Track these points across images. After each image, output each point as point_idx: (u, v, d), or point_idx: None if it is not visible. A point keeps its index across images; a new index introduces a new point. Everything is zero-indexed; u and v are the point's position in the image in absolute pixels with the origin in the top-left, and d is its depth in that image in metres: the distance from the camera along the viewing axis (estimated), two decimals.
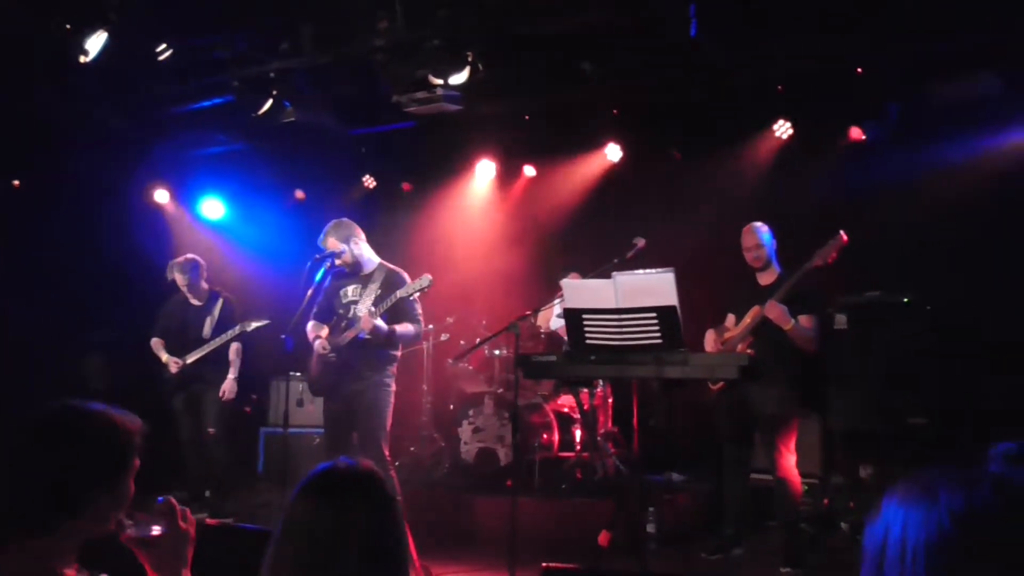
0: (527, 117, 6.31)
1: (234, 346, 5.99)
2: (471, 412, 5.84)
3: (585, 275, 6.40)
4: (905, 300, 5.65)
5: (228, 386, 5.94)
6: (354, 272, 4.75)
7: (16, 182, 6.65)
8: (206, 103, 5.84)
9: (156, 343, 6.10)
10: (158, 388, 6.07)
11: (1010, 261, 5.15)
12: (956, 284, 5.39)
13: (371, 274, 4.74)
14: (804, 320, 4.60)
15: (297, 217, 7.89)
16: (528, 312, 6.37)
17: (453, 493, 5.70)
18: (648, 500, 5.28)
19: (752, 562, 4.87)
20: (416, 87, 4.46)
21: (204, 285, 6.12)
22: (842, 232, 4.32)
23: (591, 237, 6.97)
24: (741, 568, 4.82)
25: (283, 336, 4.36)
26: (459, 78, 4.25)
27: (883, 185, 5.46)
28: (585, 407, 5.99)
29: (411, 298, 4.51)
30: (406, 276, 4.75)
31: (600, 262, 6.70)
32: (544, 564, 2.80)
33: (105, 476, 1.60)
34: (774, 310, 4.52)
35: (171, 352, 6.01)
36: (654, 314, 3.49)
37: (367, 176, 7.67)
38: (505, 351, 6.05)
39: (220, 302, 6.11)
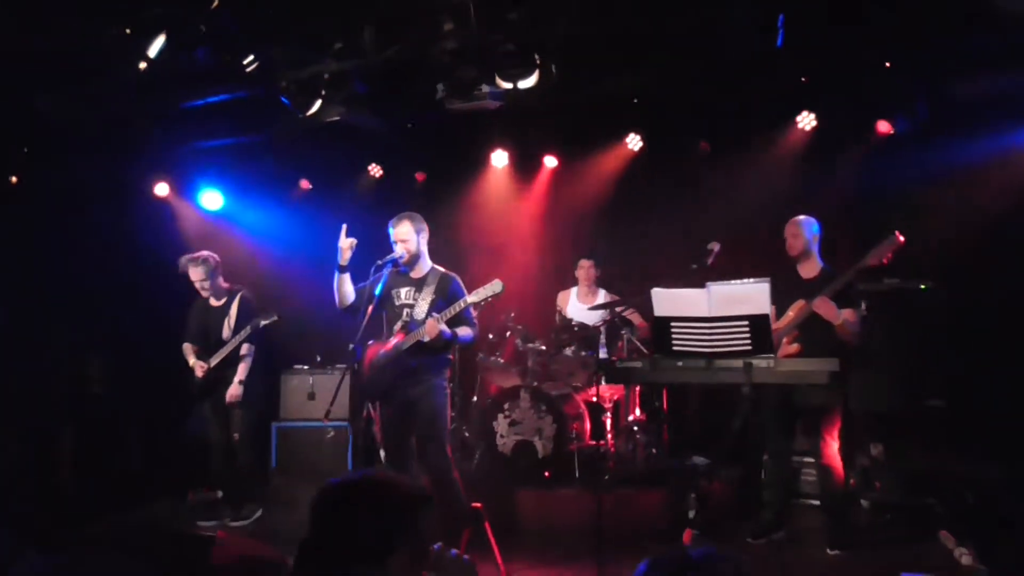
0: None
1: (244, 346, 5.83)
2: (506, 406, 5.87)
3: (598, 263, 6.55)
4: (923, 287, 5.90)
5: (232, 390, 5.76)
6: (409, 272, 4.71)
7: (14, 178, 6.33)
8: (217, 98, 5.68)
9: (187, 348, 5.96)
10: (189, 392, 5.94)
11: None
12: (974, 273, 5.62)
13: (425, 277, 4.71)
14: (848, 314, 4.75)
15: (302, 208, 7.75)
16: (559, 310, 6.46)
17: (492, 486, 5.74)
18: (688, 486, 5.45)
19: (795, 544, 5.07)
20: (471, 87, 4.41)
21: (222, 283, 5.97)
22: (898, 232, 4.45)
23: (613, 228, 7.05)
24: (786, 551, 5.02)
25: (352, 346, 4.29)
26: (528, 82, 4.22)
27: (909, 179, 5.64)
28: (618, 397, 6.12)
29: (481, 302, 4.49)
30: (459, 280, 4.75)
31: (624, 253, 6.85)
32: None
33: (395, 534, 1.74)
34: (824, 305, 4.66)
35: (199, 356, 5.88)
36: (746, 322, 3.58)
37: (373, 165, 7.55)
38: (539, 343, 6.10)
39: (237, 300, 5.96)
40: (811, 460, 5.56)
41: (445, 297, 4.63)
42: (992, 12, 4.39)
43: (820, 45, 4.49)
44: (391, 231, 4.62)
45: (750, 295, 3.56)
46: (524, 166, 7.20)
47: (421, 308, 4.59)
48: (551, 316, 6.74)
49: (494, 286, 4.41)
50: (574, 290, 6.66)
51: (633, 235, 6.95)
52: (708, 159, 6.48)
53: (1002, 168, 5.30)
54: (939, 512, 5.37)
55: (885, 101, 5.66)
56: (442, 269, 4.78)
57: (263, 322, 5.68)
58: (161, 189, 7.42)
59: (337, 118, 4.81)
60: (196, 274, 5.82)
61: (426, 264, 4.74)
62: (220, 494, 6.23)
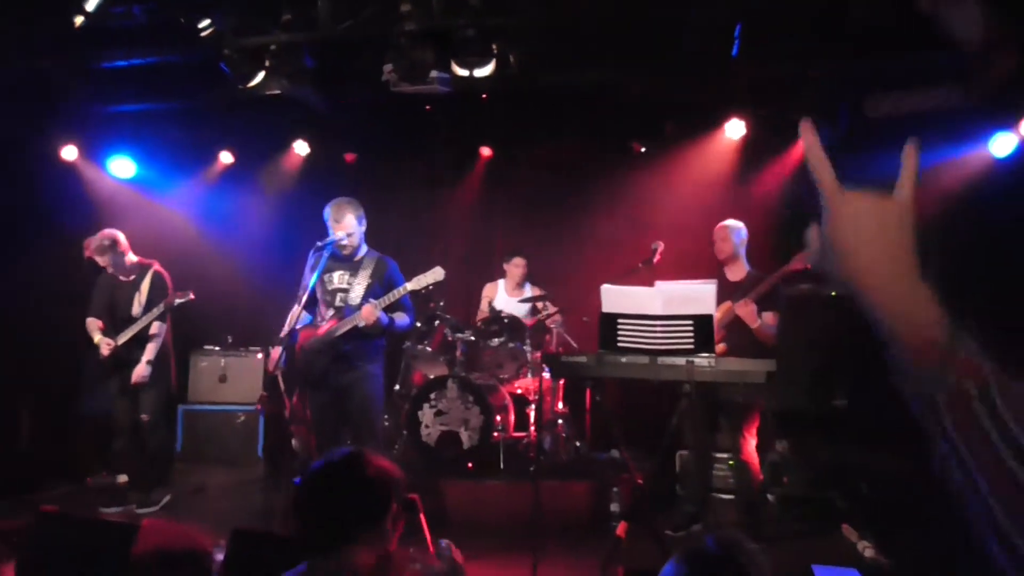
0: (484, 97, 6.21)
1: (155, 325, 5.52)
2: (433, 395, 5.81)
3: (529, 260, 6.58)
4: (832, 293, 6.22)
5: (139, 370, 5.44)
6: (346, 257, 4.59)
7: None
8: (143, 61, 5.35)
9: (91, 323, 5.59)
10: (93, 370, 5.60)
11: (941, 264, 5.76)
12: None
13: (361, 260, 4.60)
14: (768, 317, 4.97)
15: (222, 182, 7.44)
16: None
17: (416, 476, 5.68)
18: (610, 480, 5.57)
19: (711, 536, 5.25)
20: (425, 71, 4.32)
21: (129, 260, 5.61)
22: None
23: (540, 222, 7.09)
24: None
25: (286, 332, 4.15)
26: (485, 71, 4.17)
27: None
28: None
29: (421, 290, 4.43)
30: (396, 265, 4.65)
31: (543, 248, 6.90)
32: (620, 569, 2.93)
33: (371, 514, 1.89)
34: (744, 308, 4.86)
35: (105, 333, 5.54)
36: (691, 321, 3.67)
37: (299, 141, 7.31)
38: (469, 334, 6.07)
39: (150, 276, 5.65)
40: (723, 456, 5.78)
41: (382, 282, 4.54)
42: (922, 34, 4.65)
43: (760, 54, 4.63)
44: (330, 218, 4.46)
45: (697, 295, 3.66)
46: (458, 155, 7.13)
47: (356, 292, 4.48)
48: (475, 307, 6.73)
49: (435, 273, 4.35)
50: (501, 283, 6.67)
51: (562, 231, 7.01)
52: (640, 160, 6.60)
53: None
54: (840, 505, 5.69)
55: (810, 112, 5.90)
56: (378, 253, 4.67)
57: (178, 300, 5.40)
58: (69, 153, 6.94)
59: (278, 92, 4.61)
60: (103, 260, 5.50)
61: (362, 248, 4.63)
62: (123, 478, 5.93)
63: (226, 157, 7.33)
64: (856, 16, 4.55)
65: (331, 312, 4.54)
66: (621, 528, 3.97)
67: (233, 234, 7.33)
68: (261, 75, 4.50)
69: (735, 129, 6.21)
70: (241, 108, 6.55)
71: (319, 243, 4.36)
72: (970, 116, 5.44)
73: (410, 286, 4.37)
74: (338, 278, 4.58)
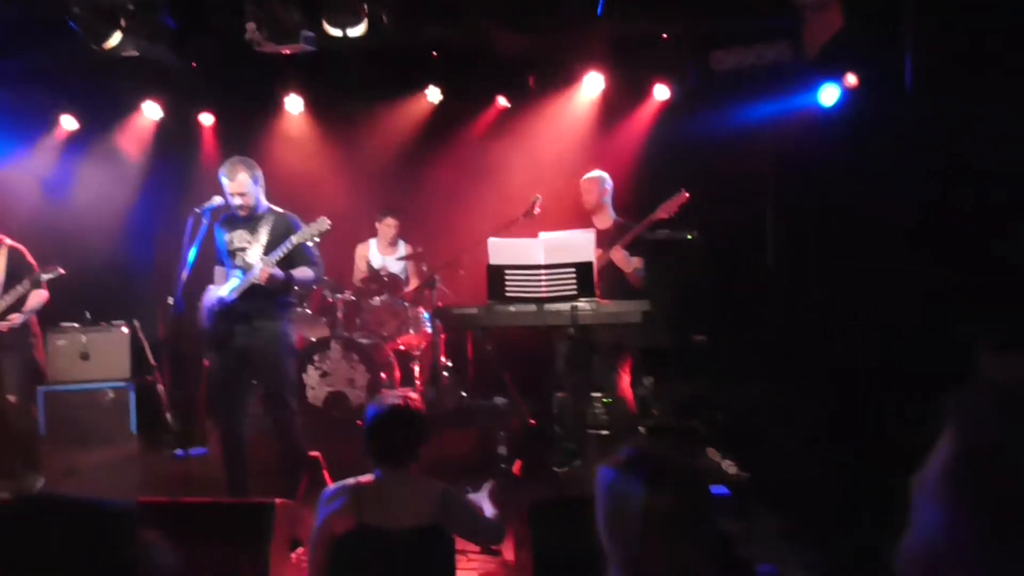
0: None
1: (34, 295, 5.23)
2: (316, 357, 5.84)
3: (400, 219, 6.66)
4: (689, 236, 6.72)
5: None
6: (245, 217, 4.48)
7: None
8: None
9: None
10: None
11: (780, 209, 6.36)
12: (734, 224, 6.50)
13: (260, 217, 4.51)
14: (636, 262, 5.35)
15: (65, 147, 6.97)
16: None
17: (307, 436, 5.70)
18: (495, 425, 5.84)
19: (592, 469, 5.66)
20: (295, 31, 4.26)
21: None
22: (684, 190, 5.06)
23: (409, 179, 7.15)
24: (587, 475, 5.60)
25: (171, 299, 4.05)
26: (358, 30, 4.16)
27: (681, 139, 6.35)
28: (424, 345, 6.32)
29: (308, 241, 4.39)
30: (298, 219, 4.58)
31: (420, 205, 6.99)
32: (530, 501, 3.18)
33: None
34: (618, 254, 5.21)
35: None
36: (573, 269, 3.93)
37: (148, 103, 6.93)
38: (348, 294, 6.09)
39: (4, 253, 5.29)
40: (596, 395, 6.20)
41: (282, 238, 4.44)
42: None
43: (621, 15, 4.90)
44: (224, 181, 4.34)
45: (578, 243, 3.92)
46: (321, 113, 7.01)
47: (255, 251, 4.42)
48: (349, 267, 6.74)
49: (320, 224, 4.34)
50: (372, 242, 6.71)
51: (431, 187, 7.11)
52: (505, 115, 6.77)
53: (754, 134, 6.16)
54: (701, 433, 6.25)
55: (662, 69, 6.29)
56: (278, 209, 4.58)
57: (45, 276, 5.11)
58: None
59: (136, 53, 4.39)
60: None
61: (260, 207, 4.52)
62: None
63: (68, 122, 6.85)
64: None
65: (235, 272, 4.46)
66: (517, 466, 4.23)
67: (80, 203, 6.91)
68: (117, 35, 4.27)
69: (594, 83, 6.49)
70: (81, 68, 6.16)
71: (196, 209, 4.25)
72: (801, 69, 5.96)
73: (295, 239, 4.31)
74: (238, 238, 4.49)
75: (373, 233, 6.71)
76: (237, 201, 4.34)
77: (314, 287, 5.22)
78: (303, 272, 4.46)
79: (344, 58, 6.14)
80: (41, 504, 1.29)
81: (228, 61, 6.01)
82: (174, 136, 7.03)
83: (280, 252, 4.31)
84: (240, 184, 4.31)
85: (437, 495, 2.70)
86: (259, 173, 4.45)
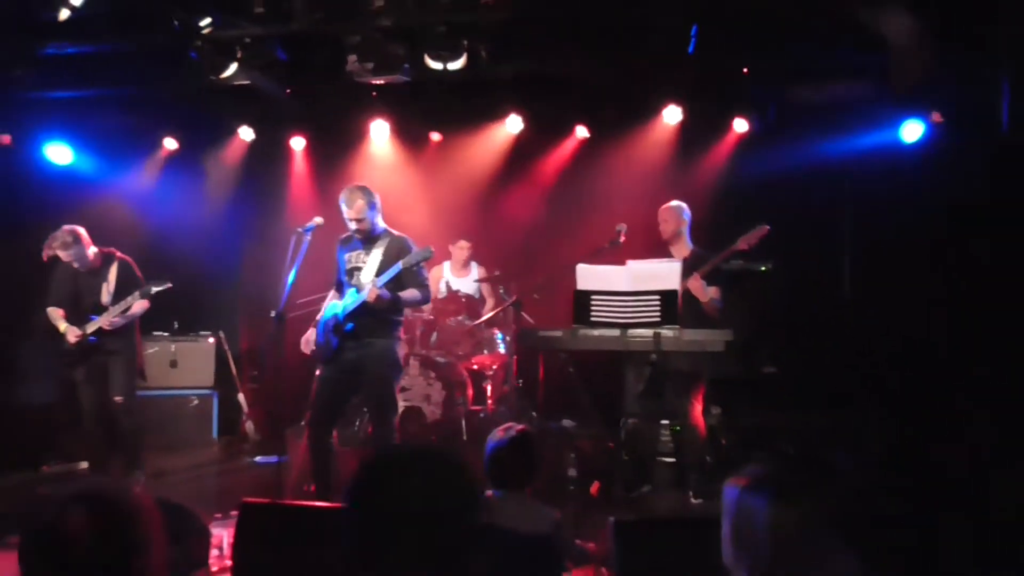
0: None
1: (137, 304, 5.54)
2: None
3: (472, 242, 6.85)
4: (763, 268, 6.75)
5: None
6: (363, 239, 4.74)
7: None
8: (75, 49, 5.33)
9: (53, 312, 5.55)
10: (57, 359, 5.56)
11: (857, 243, 6.37)
12: (810, 257, 6.52)
13: (376, 240, 4.74)
14: (713, 292, 5.40)
15: (165, 168, 7.38)
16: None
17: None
18: (565, 447, 5.94)
19: (661, 495, 5.71)
20: (399, 64, 4.50)
21: (91, 252, 5.58)
22: (766, 224, 5.12)
23: (486, 205, 7.35)
24: (656, 500, 5.65)
25: (273, 313, 4.29)
26: (457, 64, 4.38)
27: (759, 172, 6.42)
28: (497, 365, 6.47)
29: (416, 266, 4.56)
30: (411, 242, 4.79)
31: (496, 230, 7.18)
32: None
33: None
34: (695, 284, 5.27)
35: (69, 322, 5.51)
36: (658, 296, 4.04)
37: (244, 127, 7.30)
38: (427, 313, 6.30)
39: (115, 266, 5.65)
40: (665, 423, 6.24)
41: (395, 260, 4.63)
42: (842, 29, 5.14)
43: (707, 49, 5.02)
44: (344, 207, 4.60)
45: (664, 272, 4.03)
46: (405, 139, 7.28)
47: (368, 271, 4.65)
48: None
49: (425, 251, 4.54)
50: (446, 264, 6.92)
51: (507, 213, 7.30)
52: (584, 145, 6.94)
53: (832, 167, 6.19)
54: (828, 465, 6.24)
55: (742, 102, 6.38)
56: (397, 233, 4.82)
57: (155, 288, 5.44)
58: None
59: (248, 82, 4.69)
60: (67, 255, 5.45)
61: (377, 229, 4.76)
62: (84, 465, 5.93)
63: (170, 143, 7.27)
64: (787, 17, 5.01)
65: (351, 290, 4.71)
66: (595, 488, 4.32)
67: (175, 220, 7.30)
68: (234, 66, 4.57)
69: (673, 115, 6.62)
70: (185, 95, 6.54)
71: (299, 228, 4.54)
72: (884, 105, 6.00)
73: (402, 264, 4.50)
74: (355, 258, 4.76)
75: (447, 256, 6.92)
76: (354, 226, 4.62)
77: (418, 307, 5.45)
78: (411, 293, 4.65)
79: (429, 87, 6.40)
80: (405, 453, 1.47)
81: (321, 89, 6.34)
82: (263, 158, 7.38)
83: (389, 275, 4.51)
84: (357, 211, 4.57)
85: (551, 520, 2.99)
86: (376, 199, 4.68)
